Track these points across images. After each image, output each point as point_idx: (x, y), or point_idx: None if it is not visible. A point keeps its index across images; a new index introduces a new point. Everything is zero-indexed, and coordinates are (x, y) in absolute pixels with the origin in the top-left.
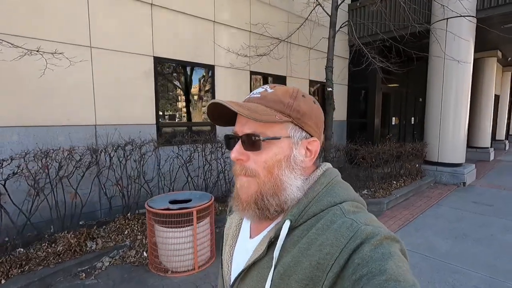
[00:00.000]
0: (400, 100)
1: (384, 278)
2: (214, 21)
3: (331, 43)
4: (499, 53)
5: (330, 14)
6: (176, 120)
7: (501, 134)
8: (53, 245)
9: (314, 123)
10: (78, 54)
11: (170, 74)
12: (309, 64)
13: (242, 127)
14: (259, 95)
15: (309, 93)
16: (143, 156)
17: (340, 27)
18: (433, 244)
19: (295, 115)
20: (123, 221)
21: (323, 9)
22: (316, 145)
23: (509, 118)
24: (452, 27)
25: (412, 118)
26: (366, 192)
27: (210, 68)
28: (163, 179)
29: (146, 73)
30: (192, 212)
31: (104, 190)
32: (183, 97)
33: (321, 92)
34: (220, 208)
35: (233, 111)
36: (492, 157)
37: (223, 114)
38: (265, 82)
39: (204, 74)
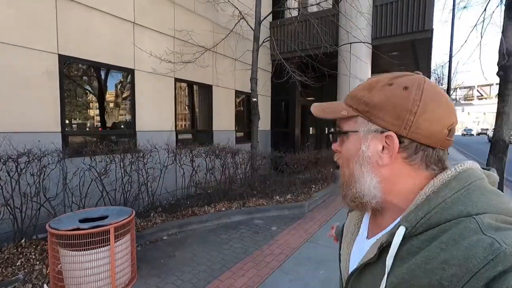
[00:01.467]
0: None
1: None
2: (134, 23)
3: (255, 56)
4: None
5: (253, 28)
6: (87, 128)
7: None
8: None
9: (390, 115)
10: None
11: (81, 76)
12: (234, 75)
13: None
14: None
15: (235, 103)
16: (43, 169)
17: (263, 42)
18: None
19: (362, 108)
20: (15, 250)
21: (247, 23)
22: (390, 140)
23: None
24: (355, 50)
25: (326, 128)
26: (290, 197)
27: (129, 72)
28: (70, 195)
29: (49, 73)
30: (109, 230)
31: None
32: (97, 103)
33: (247, 102)
34: (142, 224)
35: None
36: None
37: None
38: (190, 90)
39: (123, 78)
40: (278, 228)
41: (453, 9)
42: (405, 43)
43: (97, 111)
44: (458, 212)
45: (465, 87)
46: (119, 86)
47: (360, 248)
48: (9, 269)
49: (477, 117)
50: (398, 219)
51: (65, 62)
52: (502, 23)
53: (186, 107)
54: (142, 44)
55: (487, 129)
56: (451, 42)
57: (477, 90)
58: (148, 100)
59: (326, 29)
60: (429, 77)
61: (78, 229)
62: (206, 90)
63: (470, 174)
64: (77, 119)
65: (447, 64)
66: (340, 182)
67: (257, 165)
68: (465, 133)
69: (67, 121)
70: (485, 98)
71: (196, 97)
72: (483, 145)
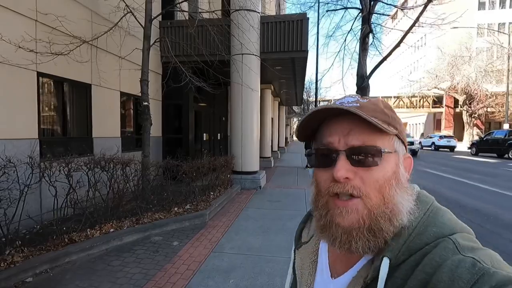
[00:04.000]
0: (209, 119)
1: None
2: None
3: (145, 56)
4: (272, 87)
5: (143, 26)
6: None
7: (276, 146)
8: None
9: (405, 139)
10: None
11: None
12: (120, 75)
13: (345, 138)
14: (357, 104)
15: (120, 107)
16: None
17: (155, 41)
18: (250, 243)
19: (400, 128)
20: None
21: (136, 19)
22: (409, 161)
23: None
24: (247, 61)
25: (219, 135)
26: (189, 207)
27: None
28: None
29: None
30: None
31: None
32: None
33: (134, 105)
34: None
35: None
36: (272, 164)
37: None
38: (61, 88)
39: None
40: (180, 243)
41: (317, 40)
42: (286, 59)
43: None
44: (434, 235)
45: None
46: None
47: None
48: None
49: None
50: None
51: None
52: (358, 54)
53: (56, 110)
54: None
55: None
56: (316, 63)
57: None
58: None
59: (222, 37)
60: (303, 88)
61: None
62: (84, 89)
63: (425, 194)
64: None
65: (314, 80)
66: (365, 219)
67: (153, 176)
68: None
69: None
70: None
71: (69, 97)
72: None
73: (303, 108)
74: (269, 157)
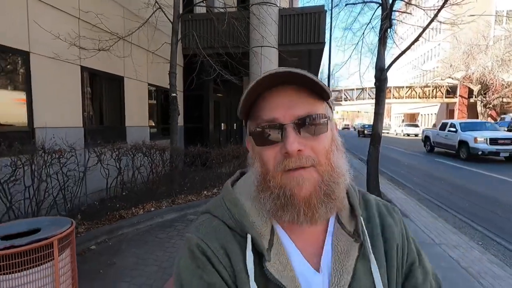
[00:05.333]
0: (226, 109)
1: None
2: None
3: (174, 49)
4: None
5: (172, 21)
6: None
7: None
8: None
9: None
10: None
11: None
12: (147, 68)
13: (290, 111)
14: (295, 70)
15: (148, 98)
16: None
17: (184, 35)
18: None
19: (328, 95)
20: None
21: (165, 14)
22: (336, 127)
23: None
24: (267, 53)
25: (235, 124)
26: (216, 191)
27: (23, 56)
28: None
29: None
30: (52, 243)
31: None
32: None
33: (160, 96)
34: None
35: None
36: None
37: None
38: (99, 81)
39: (13, 63)
40: None
41: (330, 31)
42: (303, 51)
43: None
44: (361, 191)
45: (334, 90)
46: (9, 72)
47: (318, 282)
48: None
49: (343, 115)
50: (332, 218)
51: None
52: (378, 47)
53: (95, 101)
54: (39, 23)
55: (347, 124)
56: (329, 54)
57: (344, 93)
58: (49, 91)
59: (244, 31)
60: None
61: (13, 246)
62: (117, 82)
63: None
64: None
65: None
66: (320, 184)
67: (184, 162)
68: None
69: None
70: (349, 100)
71: (105, 89)
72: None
73: None
74: None
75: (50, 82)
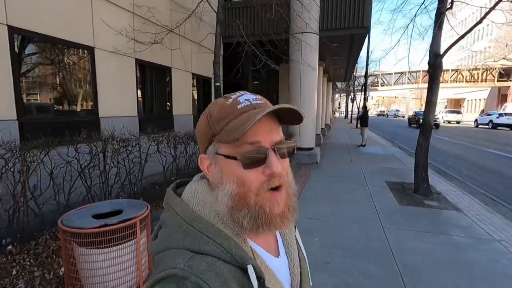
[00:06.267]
0: (263, 96)
1: None
2: None
3: (218, 39)
4: (324, 63)
5: (216, 11)
6: (47, 115)
7: (323, 123)
8: None
9: None
10: None
11: (37, 54)
12: (191, 58)
13: (270, 136)
14: (262, 101)
15: (192, 87)
16: (30, 164)
17: (230, 24)
18: (320, 211)
19: None
20: (4, 259)
21: (210, 4)
22: None
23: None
24: (307, 39)
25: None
26: None
27: (89, 51)
28: (57, 191)
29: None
30: (135, 224)
31: None
32: (57, 86)
33: (202, 85)
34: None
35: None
36: (322, 141)
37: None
38: (149, 72)
39: (80, 58)
40: None
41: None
42: (345, 36)
43: (58, 96)
44: None
45: (371, 75)
46: (78, 67)
47: (280, 264)
48: (6, 280)
49: (377, 100)
50: None
51: (17, 36)
52: (433, 31)
53: (147, 91)
54: (101, 20)
55: (383, 111)
56: (368, 40)
57: (381, 78)
58: (110, 83)
59: (286, 16)
60: (355, 64)
61: (106, 225)
62: (165, 72)
63: None
64: (36, 105)
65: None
66: (289, 200)
67: None
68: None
69: (23, 107)
70: (386, 85)
71: (155, 80)
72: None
73: (349, 84)
74: (319, 134)
75: (110, 74)
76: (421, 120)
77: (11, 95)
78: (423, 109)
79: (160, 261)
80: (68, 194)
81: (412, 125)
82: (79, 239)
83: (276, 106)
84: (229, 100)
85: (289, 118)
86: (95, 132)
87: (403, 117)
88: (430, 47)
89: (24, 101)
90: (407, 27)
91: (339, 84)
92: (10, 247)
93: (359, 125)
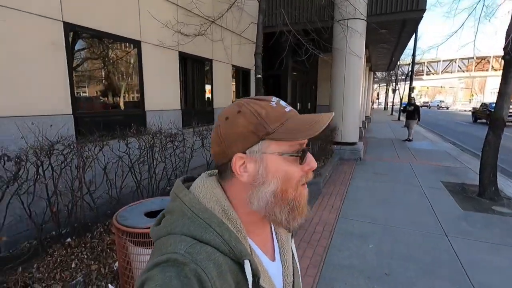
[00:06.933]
0: (302, 88)
1: None
2: None
3: (260, 30)
4: (367, 52)
5: (259, 0)
6: (99, 109)
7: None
8: None
9: None
10: None
11: (91, 49)
12: (231, 49)
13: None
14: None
15: (232, 79)
16: (86, 160)
17: (272, 13)
18: (372, 213)
19: None
20: (64, 251)
21: None
22: None
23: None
24: (353, 25)
25: (309, 104)
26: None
27: (136, 45)
28: (109, 186)
29: (55, 45)
30: None
31: (29, 214)
32: (108, 81)
33: (242, 77)
34: None
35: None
36: (362, 135)
37: None
38: (191, 64)
39: (128, 52)
40: None
41: None
42: (396, 21)
43: (107, 91)
44: None
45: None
46: (126, 61)
47: (275, 269)
48: (66, 272)
49: (420, 90)
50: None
51: (71, 31)
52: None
53: (188, 84)
54: (147, 13)
55: (427, 102)
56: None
57: (427, 66)
58: (156, 76)
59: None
60: (402, 52)
61: None
62: (207, 64)
63: None
64: (87, 98)
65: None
66: (306, 202)
67: None
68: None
69: (77, 102)
70: (433, 74)
71: (196, 72)
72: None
73: (390, 73)
74: (360, 127)
75: (156, 68)
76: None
77: (67, 90)
78: (488, 101)
79: (160, 245)
80: (120, 189)
81: (480, 120)
82: (133, 238)
83: (330, 116)
84: (271, 103)
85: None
86: (142, 127)
87: (447, 108)
88: (507, 30)
89: (77, 96)
90: (475, 8)
91: (378, 74)
92: (69, 239)
93: (401, 118)
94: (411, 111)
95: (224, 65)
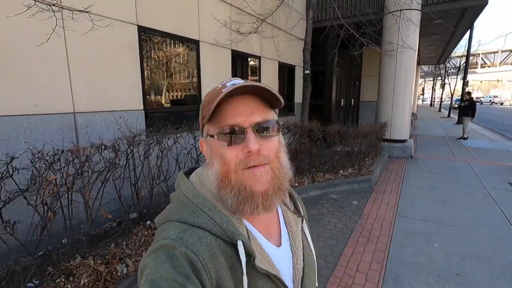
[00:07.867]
0: (346, 84)
1: None
2: None
3: (309, 26)
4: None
5: None
6: (165, 105)
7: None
8: (70, 278)
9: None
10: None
11: (157, 49)
12: (278, 46)
13: (250, 117)
14: (253, 82)
15: (278, 75)
16: (166, 150)
17: (323, 7)
18: (433, 212)
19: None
20: (146, 232)
21: None
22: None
23: None
24: (406, 17)
25: (352, 100)
26: (351, 171)
27: (195, 44)
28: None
29: (130, 46)
30: None
31: (119, 196)
32: (172, 78)
33: (287, 74)
34: None
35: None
36: (411, 132)
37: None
38: (242, 62)
39: (189, 51)
40: (359, 202)
41: None
42: (455, 10)
43: (171, 87)
44: None
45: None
46: (187, 60)
47: (282, 254)
48: None
49: (471, 84)
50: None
51: (143, 34)
52: None
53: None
54: (206, 13)
55: (480, 97)
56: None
57: (481, 58)
58: (211, 74)
59: None
60: (456, 44)
61: None
62: (255, 62)
63: None
64: (155, 95)
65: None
66: (273, 180)
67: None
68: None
69: (147, 98)
70: (488, 66)
71: (246, 69)
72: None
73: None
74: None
75: (211, 66)
76: None
77: (139, 87)
78: None
79: (158, 233)
80: None
81: None
82: None
83: (239, 84)
84: (219, 86)
85: (272, 99)
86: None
87: (502, 104)
88: None
89: (146, 92)
90: None
91: (424, 67)
92: (148, 222)
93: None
94: (464, 106)
95: (272, 62)
